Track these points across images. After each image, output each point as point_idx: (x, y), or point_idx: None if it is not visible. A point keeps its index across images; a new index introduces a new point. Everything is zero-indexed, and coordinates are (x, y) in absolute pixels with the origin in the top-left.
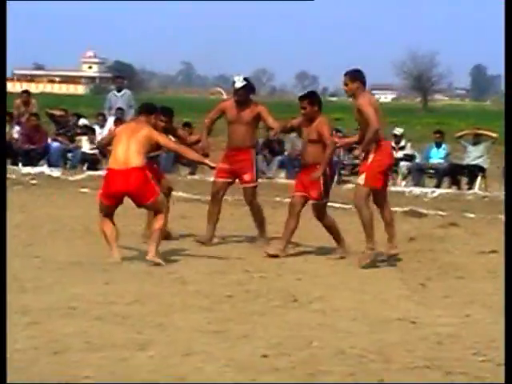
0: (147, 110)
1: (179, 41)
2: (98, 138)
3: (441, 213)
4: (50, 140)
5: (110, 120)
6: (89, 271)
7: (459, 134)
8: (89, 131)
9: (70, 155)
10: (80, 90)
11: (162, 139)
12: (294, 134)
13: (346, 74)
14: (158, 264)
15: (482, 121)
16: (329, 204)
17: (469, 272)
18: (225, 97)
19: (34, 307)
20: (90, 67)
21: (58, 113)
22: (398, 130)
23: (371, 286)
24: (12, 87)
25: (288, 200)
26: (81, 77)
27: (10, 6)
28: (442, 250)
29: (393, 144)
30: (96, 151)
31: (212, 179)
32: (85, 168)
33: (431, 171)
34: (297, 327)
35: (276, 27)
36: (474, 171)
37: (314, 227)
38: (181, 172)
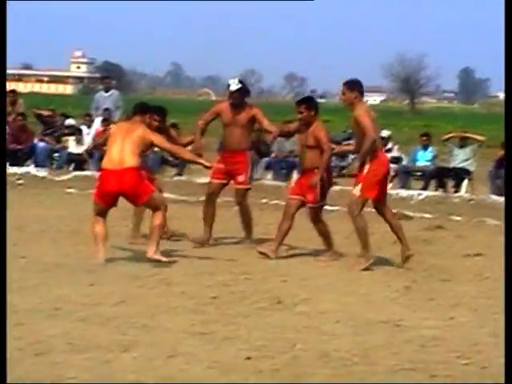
0: (141, 109)
1: (168, 42)
2: (85, 138)
3: (427, 215)
4: (36, 140)
5: (97, 120)
6: (74, 272)
7: (446, 136)
8: (76, 131)
9: (56, 155)
10: (68, 89)
11: (156, 139)
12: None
13: (344, 84)
14: (158, 261)
15: (470, 124)
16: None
17: (454, 275)
18: (213, 98)
19: (19, 308)
20: (79, 67)
21: (45, 113)
22: (385, 133)
23: (357, 288)
24: None
25: (275, 202)
26: (69, 77)
27: None
28: (428, 253)
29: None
30: (83, 151)
31: (198, 180)
32: (71, 168)
33: (418, 174)
34: (281, 329)
35: (265, 28)
36: (460, 174)
37: (303, 230)
38: (167, 173)
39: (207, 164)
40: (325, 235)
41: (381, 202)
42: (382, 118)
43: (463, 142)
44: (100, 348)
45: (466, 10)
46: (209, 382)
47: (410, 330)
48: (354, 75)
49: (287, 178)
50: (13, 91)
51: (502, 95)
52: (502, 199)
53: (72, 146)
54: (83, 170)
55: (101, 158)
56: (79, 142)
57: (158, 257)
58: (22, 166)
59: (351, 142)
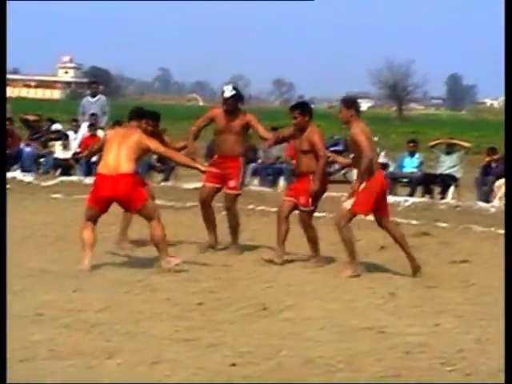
0: (137, 115)
1: (157, 47)
2: (72, 143)
3: (413, 222)
4: (22, 145)
5: (84, 126)
6: (59, 278)
7: (432, 143)
8: (62, 137)
9: (42, 160)
10: (56, 94)
11: (152, 144)
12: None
13: (341, 101)
14: (177, 269)
15: (458, 130)
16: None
17: (440, 281)
18: (201, 103)
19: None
20: (66, 72)
21: (31, 118)
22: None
23: (342, 294)
24: None
25: (261, 208)
26: (57, 82)
27: None
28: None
29: None
30: (69, 156)
31: (185, 186)
32: (57, 174)
33: (404, 180)
34: (266, 336)
35: (254, 34)
36: (447, 181)
37: (293, 235)
38: (154, 179)
39: (203, 168)
40: (313, 240)
41: (382, 218)
42: (369, 125)
43: (450, 149)
44: (84, 355)
45: (453, 16)
46: None
47: (395, 336)
48: (343, 81)
49: (274, 184)
50: None
51: (489, 101)
52: (488, 206)
53: (58, 151)
54: (69, 175)
55: (88, 164)
56: (66, 147)
57: (172, 266)
58: (9, 170)
59: (338, 148)
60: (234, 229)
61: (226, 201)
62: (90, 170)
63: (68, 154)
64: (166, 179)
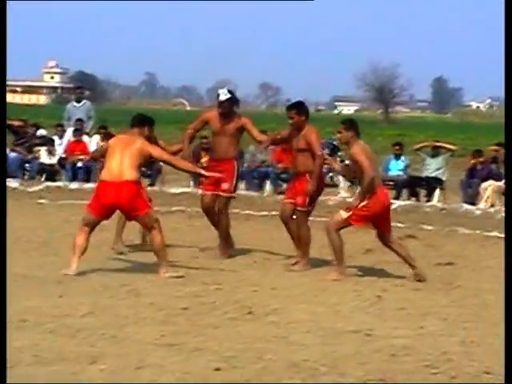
0: (140, 121)
1: (143, 51)
2: (57, 148)
3: (399, 225)
4: (8, 150)
5: (69, 131)
6: (44, 284)
7: (418, 146)
8: (47, 142)
9: (27, 166)
10: (42, 100)
11: (155, 152)
12: (252, 146)
13: (341, 123)
14: (176, 277)
15: (443, 133)
16: None
17: (425, 284)
18: (188, 108)
19: None
20: (52, 77)
21: (16, 123)
22: None
23: (327, 298)
24: None
25: (247, 212)
26: (42, 87)
27: None
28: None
29: None
30: (54, 162)
31: (171, 190)
32: (43, 179)
33: (390, 183)
34: (251, 340)
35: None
36: (432, 183)
37: (277, 239)
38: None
39: (206, 174)
40: (305, 242)
41: (384, 234)
42: None
43: (435, 152)
44: (68, 360)
45: (438, 19)
46: None
47: (380, 339)
48: (329, 85)
49: (260, 187)
50: None
51: (475, 104)
52: (473, 208)
53: (44, 157)
54: (55, 180)
55: (74, 169)
56: (51, 152)
57: (171, 274)
58: None
59: (324, 152)
60: (223, 232)
61: (219, 203)
62: (75, 175)
63: (53, 160)
64: (151, 184)
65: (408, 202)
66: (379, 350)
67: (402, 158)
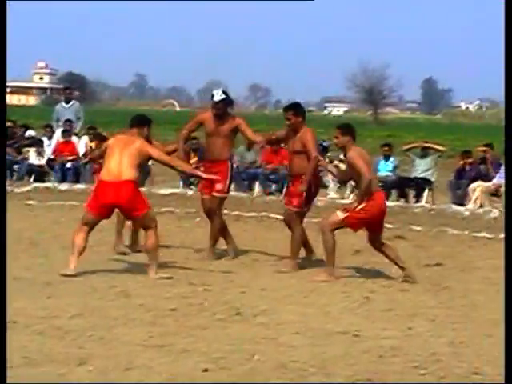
0: (139, 122)
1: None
2: (46, 149)
3: (388, 225)
4: None
5: (58, 132)
6: (32, 285)
7: (407, 146)
8: (36, 143)
9: (16, 167)
10: (31, 101)
11: (154, 152)
12: (241, 147)
13: (338, 128)
14: (164, 278)
15: (433, 134)
16: (275, 216)
17: (413, 285)
18: (177, 109)
19: None
20: (42, 78)
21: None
22: None
23: (316, 299)
24: None
25: (236, 213)
26: (32, 88)
27: None
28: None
29: (341, 157)
30: (43, 163)
31: (160, 191)
32: (31, 180)
33: (379, 184)
34: (239, 341)
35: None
36: (421, 184)
37: (268, 240)
38: None
39: (204, 176)
40: (296, 243)
41: (376, 237)
42: None
43: (424, 152)
44: (56, 361)
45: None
46: None
47: (368, 340)
48: (319, 85)
49: (249, 188)
50: None
51: (464, 105)
52: (462, 209)
53: (32, 158)
54: (43, 181)
55: (63, 170)
56: (40, 153)
57: (160, 275)
58: None
59: None
60: (214, 234)
61: (212, 203)
62: (64, 176)
63: (42, 161)
64: (141, 185)
65: (397, 203)
66: (367, 350)
67: (391, 158)
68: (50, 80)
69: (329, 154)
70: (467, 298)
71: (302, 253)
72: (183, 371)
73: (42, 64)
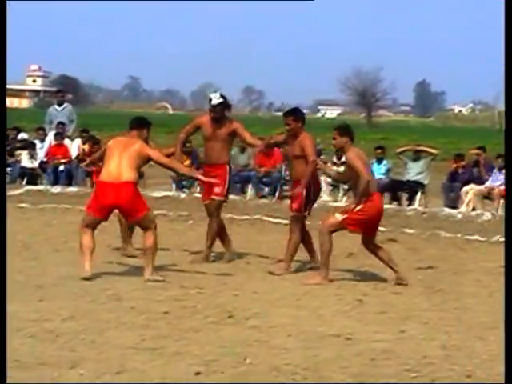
0: (139, 124)
1: (125, 55)
2: (39, 152)
3: (381, 228)
4: None
5: (50, 134)
6: (24, 288)
7: (399, 150)
8: (29, 146)
9: (9, 170)
10: (24, 103)
11: (154, 154)
12: (234, 150)
13: (335, 129)
14: (158, 281)
15: (426, 137)
16: (268, 219)
17: (406, 288)
18: (170, 111)
19: None
20: (34, 81)
21: None
22: None
23: (309, 302)
24: None
25: (229, 216)
26: (25, 90)
27: None
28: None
29: (334, 159)
30: (35, 166)
31: (153, 194)
32: (24, 183)
33: None
34: (232, 344)
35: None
36: (414, 187)
37: (261, 243)
38: None
39: (203, 179)
40: (294, 247)
41: (370, 239)
42: None
43: (417, 156)
44: (48, 365)
45: (421, 23)
46: None
47: (361, 343)
48: (312, 88)
49: (242, 191)
50: None
51: (457, 108)
52: (455, 212)
53: (25, 160)
54: (36, 184)
55: (55, 173)
56: (32, 156)
57: (154, 277)
58: None
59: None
60: (212, 235)
61: (211, 206)
62: (56, 179)
63: (35, 163)
64: None
65: (390, 206)
66: (360, 353)
67: (384, 161)
68: (42, 83)
69: (322, 157)
70: (460, 301)
71: (302, 255)
72: (175, 374)
73: (35, 67)
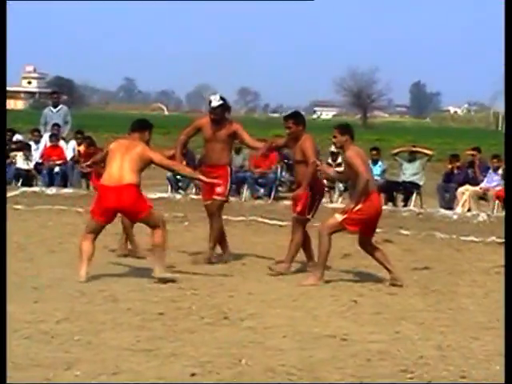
0: (140, 126)
1: (121, 56)
2: (34, 154)
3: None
4: None
5: (46, 136)
6: (19, 289)
7: (395, 151)
8: (24, 147)
9: None
10: (19, 105)
11: (156, 157)
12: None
13: (335, 128)
14: (170, 281)
15: (422, 138)
16: (263, 220)
17: (401, 288)
18: (166, 113)
19: None
20: (30, 82)
21: None
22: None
23: (304, 302)
24: None
25: (224, 217)
26: (20, 92)
27: None
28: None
29: (329, 161)
30: (31, 167)
31: (149, 195)
32: (19, 184)
33: None
34: (227, 345)
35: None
36: (409, 188)
37: (257, 244)
38: None
39: (205, 180)
40: (295, 249)
41: (366, 240)
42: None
43: (412, 156)
44: (43, 366)
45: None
46: None
47: (356, 344)
48: (307, 89)
49: (237, 192)
50: None
51: (452, 109)
52: (450, 213)
53: (20, 162)
54: (31, 185)
55: (50, 175)
56: (27, 157)
57: (164, 275)
58: None
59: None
60: (215, 236)
61: (213, 206)
62: (51, 180)
63: (30, 165)
64: None
65: (385, 207)
66: (355, 354)
67: (380, 162)
68: (38, 84)
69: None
70: (455, 302)
71: (301, 256)
72: (171, 375)
73: (30, 68)
